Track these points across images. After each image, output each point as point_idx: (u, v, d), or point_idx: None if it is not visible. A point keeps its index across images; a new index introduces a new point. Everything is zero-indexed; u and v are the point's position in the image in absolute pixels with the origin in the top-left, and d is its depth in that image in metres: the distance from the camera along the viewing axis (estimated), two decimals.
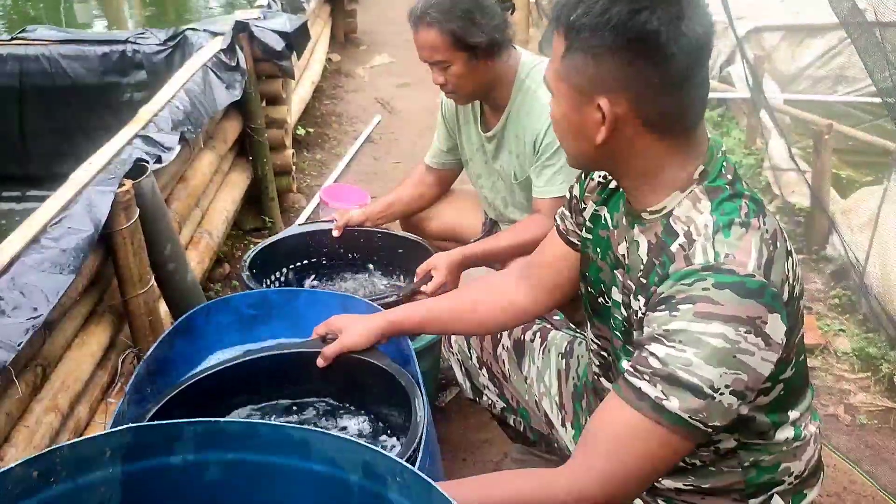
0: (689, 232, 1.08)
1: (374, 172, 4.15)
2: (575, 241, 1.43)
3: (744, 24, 5.34)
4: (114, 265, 1.85)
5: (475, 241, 2.42)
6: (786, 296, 1.06)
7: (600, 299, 1.33)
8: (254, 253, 2.06)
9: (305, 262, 2.31)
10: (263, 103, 3.33)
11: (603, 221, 1.32)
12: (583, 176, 1.41)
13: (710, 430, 1.04)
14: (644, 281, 1.13)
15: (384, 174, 4.11)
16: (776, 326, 1.03)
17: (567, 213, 1.44)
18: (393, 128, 4.76)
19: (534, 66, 2.01)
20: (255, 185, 3.31)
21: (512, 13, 2.00)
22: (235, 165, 3.21)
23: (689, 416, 1.02)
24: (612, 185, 1.32)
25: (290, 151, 3.52)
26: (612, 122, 1.07)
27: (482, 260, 2.06)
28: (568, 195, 1.44)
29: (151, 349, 1.58)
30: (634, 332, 1.17)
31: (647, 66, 1.04)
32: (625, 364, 1.12)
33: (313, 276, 2.34)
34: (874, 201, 3.16)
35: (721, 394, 1.01)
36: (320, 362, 1.45)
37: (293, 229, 2.28)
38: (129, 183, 1.81)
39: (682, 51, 1.03)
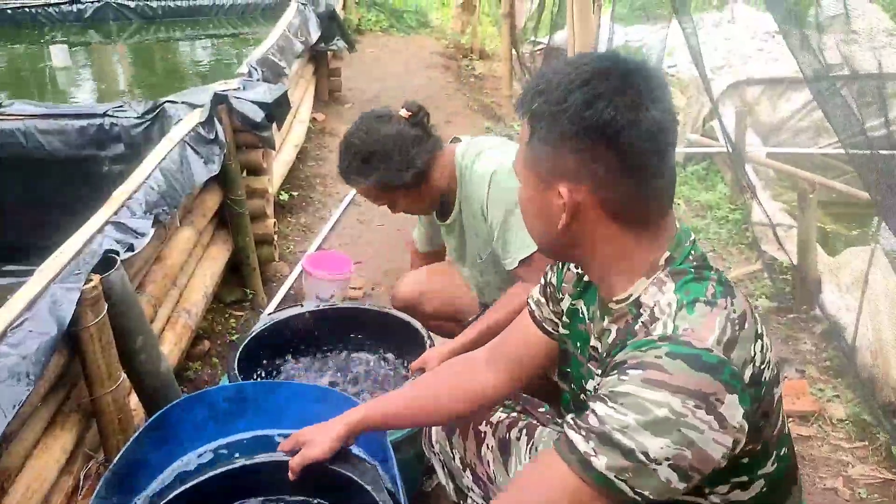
0: (652, 312, 1.06)
1: (358, 236, 4.10)
2: (550, 329, 1.40)
3: (724, 74, 5.39)
4: (80, 363, 1.78)
5: (469, 322, 2.39)
6: (747, 377, 1.01)
7: (582, 396, 1.29)
8: (239, 352, 2.00)
9: (294, 347, 2.28)
10: (244, 174, 3.30)
11: (580, 315, 1.29)
12: (559, 265, 1.38)
13: (639, 498, 0.98)
14: (608, 360, 1.10)
15: (369, 236, 4.06)
16: (733, 408, 0.98)
17: (542, 300, 1.41)
18: None
19: (466, 150, 2.06)
20: (235, 257, 3.26)
21: (427, 122, 2.04)
22: (216, 238, 3.15)
23: (615, 476, 0.98)
24: (587, 277, 1.29)
25: (271, 221, 3.47)
26: (572, 209, 1.08)
27: (478, 345, 2.04)
28: (544, 281, 1.41)
29: (120, 453, 1.52)
30: None
31: (605, 155, 1.04)
32: (568, 417, 1.09)
33: (298, 359, 2.29)
34: (861, 262, 3.14)
35: (658, 464, 0.96)
36: (291, 475, 1.47)
37: (276, 317, 2.22)
38: (96, 278, 1.75)
39: (641, 139, 1.03)
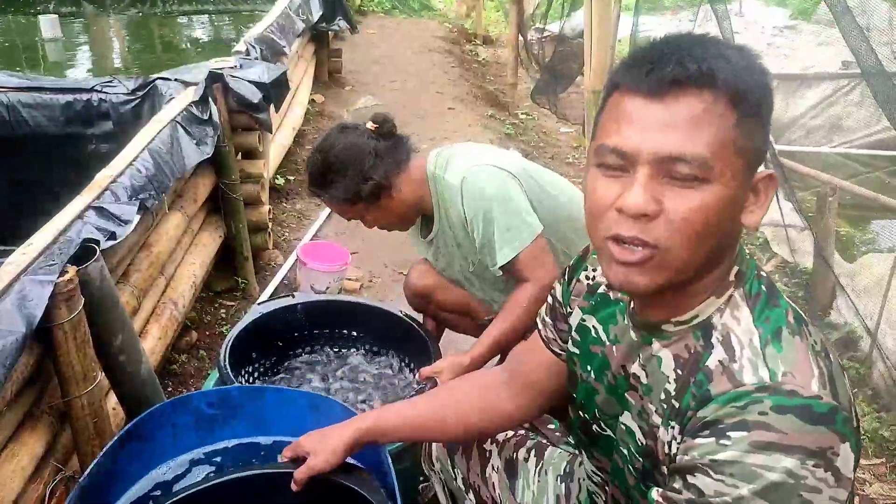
0: (728, 345, 0.91)
1: (356, 225, 3.93)
2: (557, 350, 1.27)
3: None
4: (53, 362, 1.63)
5: (483, 322, 2.27)
6: (855, 421, 0.88)
7: (595, 427, 1.15)
8: (228, 344, 1.86)
9: (289, 337, 2.14)
10: (238, 157, 3.14)
11: (594, 335, 1.14)
12: (566, 277, 1.24)
13: None
14: (677, 405, 0.95)
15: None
16: (847, 458, 0.84)
17: (548, 318, 1.28)
18: None
19: (436, 160, 1.96)
20: (227, 244, 3.11)
21: (392, 135, 1.94)
22: (207, 224, 3.00)
23: None
24: (602, 290, 1.15)
25: (266, 207, 3.32)
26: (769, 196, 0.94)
27: (492, 356, 1.95)
28: (550, 300, 1.28)
29: (92, 464, 1.40)
30: (663, 467, 0.98)
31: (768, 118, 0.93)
32: (654, 494, 0.93)
33: (294, 357, 2.16)
34: (879, 267, 3.02)
35: None
36: (294, 487, 1.34)
37: (267, 307, 2.08)
38: (72, 270, 1.61)
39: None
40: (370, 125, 1.94)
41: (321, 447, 1.32)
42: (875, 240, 4.43)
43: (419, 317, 2.26)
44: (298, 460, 1.35)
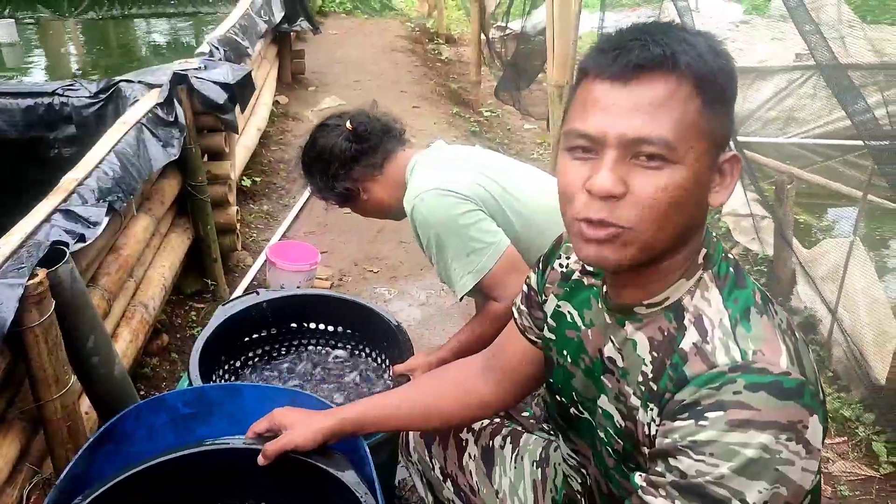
0: (700, 326, 0.95)
1: (324, 223, 3.96)
2: (534, 338, 1.30)
3: None
4: (25, 366, 1.62)
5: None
6: (821, 394, 0.92)
7: (572, 410, 1.18)
8: (199, 352, 1.84)
9: (260, 335, 2.12)
10: (205, 158, 3.13)
11: (569, 320, 1.17)
12: (540, 265, 1.27)
13: None
14: (654, 387, 0.98)
15: (335, 224, 3.92)
16: (816, 430, 0.88)
17: (523, 307, 1.30)
18: None
19: (415, 165, 1.89)
20: (196, 246, 3.09)
21: (370, 134, 1.89)
22: (175, 226, 2.98)
23: None
24: (576, 276, 1.18)
25: (234, 208, 3.31)
26: (735, 177, 0.96)
27: (464, 354, 1.92)
28: (525, 288, 1.29)
29: (67, 468, 1.38)
30: (644, 448, 1.01)
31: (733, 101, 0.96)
32: (638, 479, 0.96)
33: (267, 355, 2.15)
34: (836, 254, 3.10)
35: None
36: (261, 460, 1.29)
37: (232, 307, 2.05)
38: (42, 273, 1.59)
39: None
40: (348, 125, 1.91)
41: (301, 424, 1.29)
42: (832, 227, 4.55)
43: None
44: (266, 437, 1.31)
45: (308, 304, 2.18)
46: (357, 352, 2.19)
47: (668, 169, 0.90)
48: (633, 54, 0.90)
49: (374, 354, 2.16)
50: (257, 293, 2.12)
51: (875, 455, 2.42)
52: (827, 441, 2.53)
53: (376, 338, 2.12)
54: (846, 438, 2.54)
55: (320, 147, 1.91)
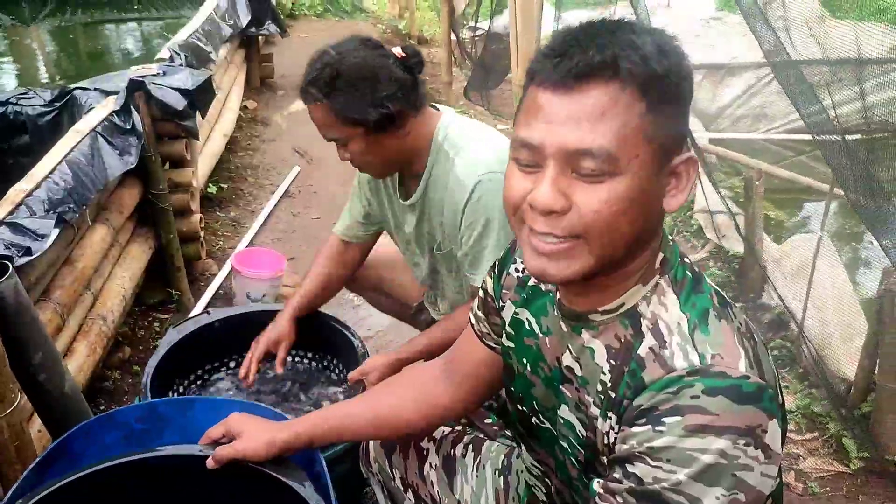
0: (658, 332, 0.92)
1: (292, 230, 3.90)
2: (492, 343, 1.27)
3: None
4: None
5: (416, 306, 2.24)
6: (780, 397, 0.90)
7: (534, 419, 1.15)
8: (152, 369, 1.80)
9: (211, 352, 2.09)
10: (166, 166, 3.06)
11: (527, 327, 1.14)
12: (496, 271, 1.23)
13: None
14: (613, 395, 0.95)
15: (303, 230, 3.87)
16: (774, 434, 0.86)
17: (480, 314, 1.27)
18: (312, 179, 4.52)
19: (447, 132, 1.79)
20: (158, 256, 3.03)
21: (419, 71, 1.75)
22: (136, 236, 2.92)
23: None
24: (532, 282, 1.14)
25: (197, 216, 3.25)
26: (689, 179, 0.93)
27: (421, 358, 1.89)
28: (482, 294, 1.26)
29: (11, 490, 1.33)
30: (602, 458, 0.98)
31: (687, 102, 0.93)
32: (595, 485, 0.94)
33: (225, 366, 2.11)
34: (806, 250, 3.10)
35: None
36: (210, 463, 1.26)
37: (183, 329, 2.01)
38: None
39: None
40: (397, 51, 1.73)
41: (256, 434, 1.26)
42: (805, 223, 4.56)
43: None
44: (221, 443, 1.28)
45: (258, 322, 2.09)
46: (314, 363, 2.16)
47: (611, 180, 0.86)
48: (573, 61, 0.86)
49: (331, 365, 2.13)
50: (208, 313, 2.09)
51: (845, 451, 2.42)
52: (798, 437, 2.53)
53: (332, 348, 2.10)
54: (816, 434, 2.54)
55: (367, 61, 1.66)
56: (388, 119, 1.67)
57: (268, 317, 2.05)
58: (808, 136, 4.81)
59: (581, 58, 0.86)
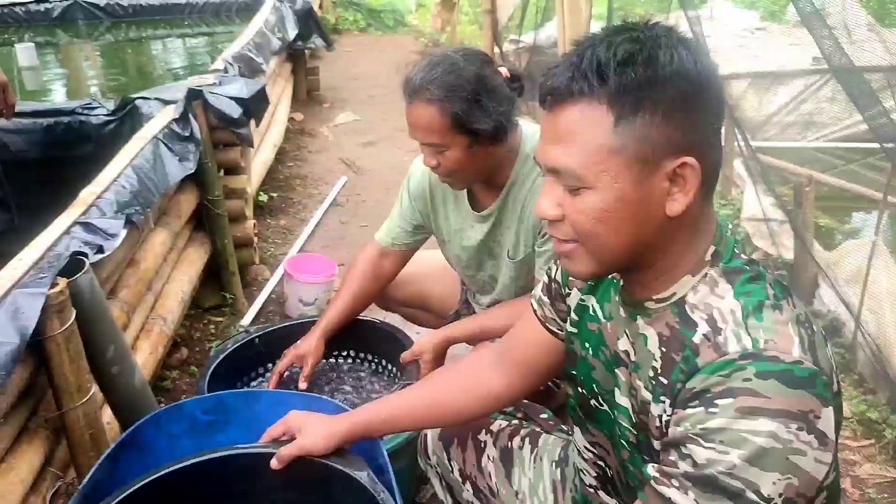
0: (712, 320, 0.94)
1: (340, 237, 3.98)
2: (555, 329, 1.29)
3: None
4: (47, 375, 1.64)
5: (453, 313, 2.26)
6: (835, 386, 0.91)
7: (593, 401, 1.18)
8: (213, 365, 1.86)
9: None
10: (221, 173, 3.15)
11: (591, 313, 1.17)
12: None
13: None
14: (665, 381, 0.98)
15: (352, 238, 3.94)
16: (828, 421, 0.87)
17: (545, 299, 1.30)
18: (359, 189, 4.60)
19: (533, 136, 1.82)
20: (214, 260, 3.11)
21: (520, 94, 1.79)
22: (192, 240, 3.01)
23: None
24: (622, 279, 1.17)
25: (251, 222, 3.33)
26: (693, 185, 0.94)
27: (472, 340, 1.92)
28: (546, 279, 1.29)
29: (90, 473, 1.39)
30: (654, 441, 1.01)
31: (708, 110, 0.94)
32: (650, 469, 0.95)
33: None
34: (859, 255, 3.06)
35: (770, 502, 0.85)
36: (275, 464, 1.30)
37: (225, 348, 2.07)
38: (63, 282, 1.61)
39: (720, 87, 0.97)
40: (504, 71, 1.76)
41: (314, 428, 1.30)
42: (858, 231, 4.49)
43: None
44: (282, 441, 1.32)
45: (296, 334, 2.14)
46: (362, 361, 2.21)
47: (586, 193, 0.94)
48: (553, 82, 0.94)
49: (380, 362, 2.19)
50: (248, 331, 2.16)
51: None
52: (854, 444, 2.49)
53: (379, 347, 2.15)
54: (873, 441, 2.50)
55: (485, 74, 1.68)
56: (502, 133, 1.71)
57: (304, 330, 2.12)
58: (858, 145, 4.75)
59: (555, 79, 0.93)
